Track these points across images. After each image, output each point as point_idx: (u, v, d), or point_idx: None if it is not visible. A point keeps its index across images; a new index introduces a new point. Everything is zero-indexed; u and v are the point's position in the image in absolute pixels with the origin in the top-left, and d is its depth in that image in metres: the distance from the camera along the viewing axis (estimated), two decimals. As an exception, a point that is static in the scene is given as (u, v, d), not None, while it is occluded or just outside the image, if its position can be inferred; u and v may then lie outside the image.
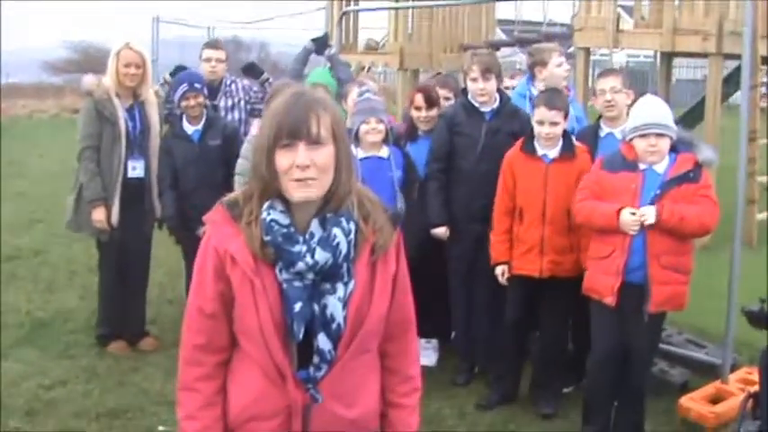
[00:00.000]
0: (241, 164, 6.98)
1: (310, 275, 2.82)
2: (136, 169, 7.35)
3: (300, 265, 2.80)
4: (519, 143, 6.33)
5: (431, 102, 7.10)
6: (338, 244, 2.82)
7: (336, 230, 2.83)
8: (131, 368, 7.26)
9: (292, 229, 2.82)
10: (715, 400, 6.43)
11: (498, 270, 6.49)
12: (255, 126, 7.34)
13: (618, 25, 12.56)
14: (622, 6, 15.53)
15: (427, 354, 7.18)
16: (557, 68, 7.15)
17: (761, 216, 12.30)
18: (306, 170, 2.76)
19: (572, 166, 6.15)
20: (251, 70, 9.25)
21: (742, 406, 5.70)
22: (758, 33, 10.95)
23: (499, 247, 6.45)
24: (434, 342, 7.36)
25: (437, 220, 6.78)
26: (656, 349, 6.15)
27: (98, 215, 7.21)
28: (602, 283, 5.62)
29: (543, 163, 6.19)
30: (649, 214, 5.34)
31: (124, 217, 7.33)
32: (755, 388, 5.80)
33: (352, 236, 2.86)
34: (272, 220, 2.81)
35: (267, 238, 2.80)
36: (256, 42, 54.22)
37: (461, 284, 6.96)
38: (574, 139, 6.34)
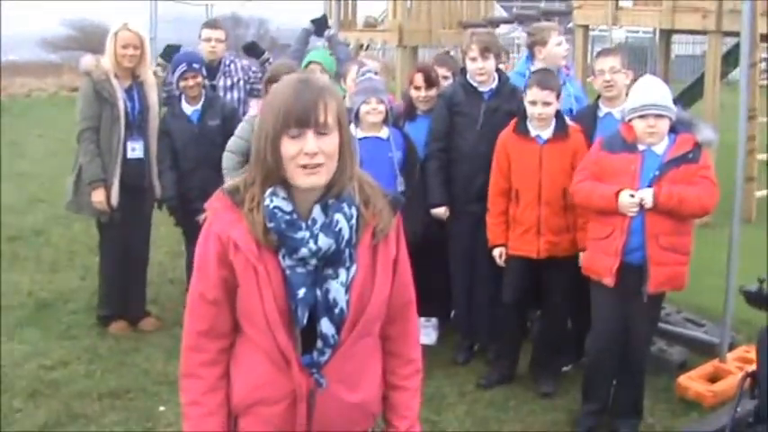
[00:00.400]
0: (235, 142, 7.01)
1: (313, 261, 2.84)
2: (135, 150, 7.36)
3: (304, 251, 2.81)
4: (512, 124, 6.34)
5: (430, 82, 7.09)
6: (340, 230, 2.84)
7: (338, 216, 2.84)
8: (132, 348, 7.28)
9: (295, 216, 2.83)
10: (713, 378, 6.48)
11: (496, 252, 6.52)
12: (254, 106, 7.34)
13: (617, 2, 12.52)
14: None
15: (427, 332, 7.21)
16: (556, 47, 7.13)
17: (760, 193, 12.31)
18: (314, 157, 2.77)
19: (566, 146, 6.17)
20: (252, 50, 9.24)
21: (740, 385, 5.72)
22: (757, 11, 10.94)
23: (495, 229, 6.48)
24: (434, 321, 7.38)
25: (437, 200, 6.79)
26: (655, 329, 6.18)
27: (98, 196, 7.21)
28: (601, 264, 5.63)
29: (537, 144, 6.20)
30: (647, 197, 5.35)
31: (124, 198, 7.33)
32: (753, 367, 5.82)
33: (353, 221, 2.88)
34: (275, 207, 2.81)
35: (270, 225, 2.81)
36: (255, 19, 54.17)
37: (461, 263, 6.97)
38: (567, 118, 6.35)
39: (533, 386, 6.64)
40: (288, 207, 2.83)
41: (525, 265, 6.41)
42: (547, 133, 6.20)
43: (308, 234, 2.82)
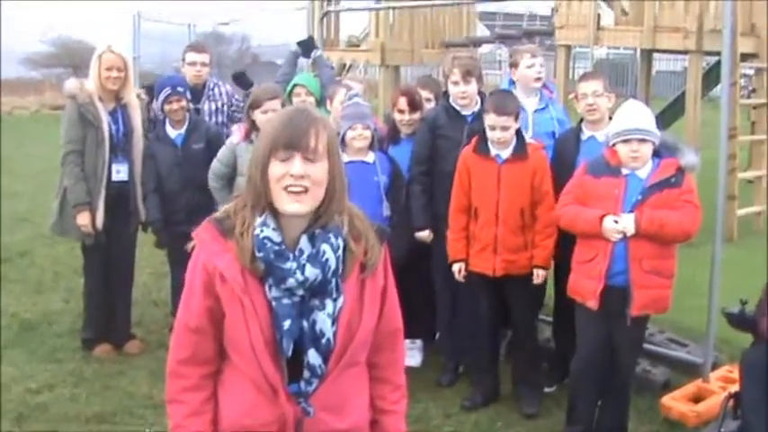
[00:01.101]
0: (215, 166, 7.06)
1: (300, 292, 2.87)
2: (120, 173, 7.36)
3: (291, 282, 2.84)
4: (473, 142, 6.39)
5: (414, 105, 7.13)
6: (327, 260, 2.87)
7: (325, 246, 2.88)
8: (117, 371, 7.26)
9: (283, 246, 2.86)
10: (696, 398, 6.50)
11: (455, 268, 6.56)
12: (235, 132, 7.36)
13: (599, 22, 12.59)
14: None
15: (412, 354, 7.22)
16: (526, 69, 7.12)
17: (741, 212, 12.37)
18: (300, 180, 2.80)
19: (525, 166, 6.22)
20: (240, 80, 9.25)
21: (723, 406, 5.77)
22: (737, 31, 11.04)
23: (455, 245, 6.53)
24: (419, 342, 7.40)
25: (420, 224, 6.85)
26: (639, 351, 6.19)
27: (83, 219, 7.21)
28: (585, 287, 5.67)
29: (496, 163, 6.25)
30: (629, 226, 5.40)
31: (109, 220, 7.33)
32: (736, 387, 5.87)
33: (340, 252, 2.91)
34: (265, 237, 2.85)
35: (259, 255, 2.84)
36: (237, 36, 54.05)
37: (445, 285, 7.00)
38: (527, 137, 6.39)
39: (517, 407, 6.66)
40: (277, 238, 2.86)
41: (488, 281, 6.47)
42: (506, 153, 6.25)
43: (294, 264, 2.85)
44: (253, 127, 6.88)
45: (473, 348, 6.91)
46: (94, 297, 7.67)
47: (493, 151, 6.26)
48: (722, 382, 6.63)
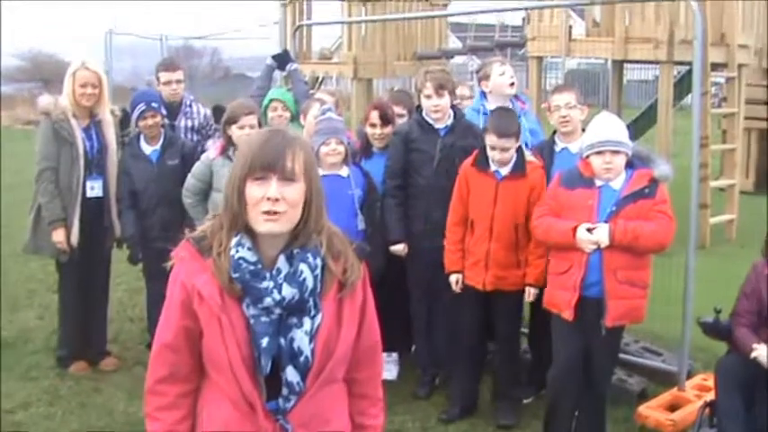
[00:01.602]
0: (189, 181, 7.05)
1: (277, 310, 2.87)
2: (94, 189, 7.33)
3: (268, 301, 2.85)
4: (473, 156, 6.41)
5: (386, 119, 7.15)
6: (304, 279, 2.88)
7: (303, 266, 2.89)
8: (93, 389, 7.23)
9: (260, 266, 2.87)
10: (672, 407, 6.54)
11: (452, 278, 6.58)
12: (211, 147, 7.35)
13: (570, 33, 12.66)
14: (573, 9, 15.66)
15: (388, 367, 7.20)
16: (500, 77, 7.15)
17: (714, 220, 12.46)
18: (275, 203, 2.81)
19: (523, 183, 6.24)
20: (220, 113, 9.21)
21: (699, 414, 5.82)
22: (707, 41, 11.13)
23: (451, 256, 6.56)
24: (395, 356, 7.39)
25: (395, 237, 6.85)
26: (615, 361, 6.22)
27: (58, 236, 7.18)
28: (560, 298, 5.70)
29: (495, 179, 6.27)
30: (603, 236, 5.43)
31: (84, 237, 7.30)
32: (712, 395, 5.92)
33: (318, 271, 2.92)
34: (240, 258, 2.86)
35: (235, 276, 2.85)
36: (208, 49, 54.01)
37: (421, 298, 7.02)
38: (528, 153, 6.41)
39: (494, 419, 6.66)
40: (253, 258, 2.87)
41: (477, 294, 6.49)
42: (505, 169, 6.27)
43: (271, 284, 2.86)
44: (229, 142, 6.87)
45: (454, 361, 6.92)
46: (69, 314, 7.63)
47: (492, 167, 6.28)
48: (698, 391, 6.68)
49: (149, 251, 7.44)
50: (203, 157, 7.16)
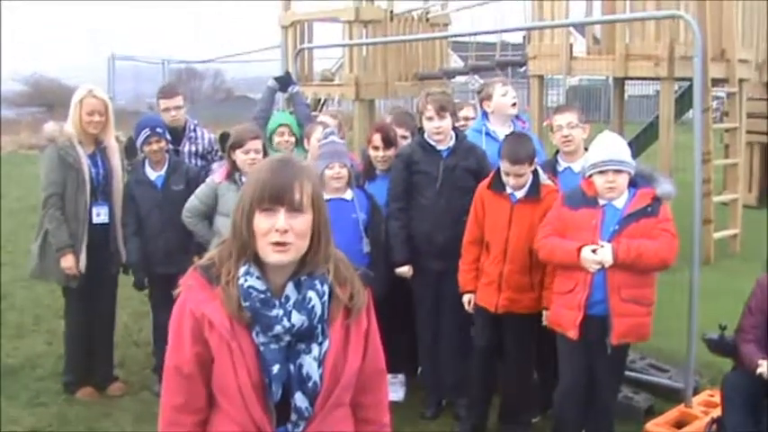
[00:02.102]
0: (191, 202, 7.07)
1: (287, 337, 2.90)
2: (100, 215, 7.35)
3: (278, 329, 2.88)
4: (489, 179, 6.40)
5: (388, 141, 7.19)
6: (313, 306, 2.91)
7: (311, 293, 2.92)
8: (101, 414, 7.23)
9: (269, 294, 2.90)
10: (679, 424, 6.53)
11: (465, 298, 6.59)
12: (216, 170, 7.37)
13: (571, 52, 12.69)
14: (574, 26, 15.68)
15: (395, 389, 7.19)
16: (502, 98, 7.21)
17: (717, 235, 12.46)
18: (284, 234, 2.85)
19: (538, 207, 6.22)
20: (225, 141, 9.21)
21: (706, 430, 5.83)
22: (708, 57, 11.17)
23: (465, 276, 6.55)
24: (401, 377, 7.39)
25: (400, 259, 6.87)
26: (621, 378, 6.23)
27: (67, 262, 7.19)
28: (565, 317, 5.72)
29: (510, 202, 6.28)
30: (606, 256, 5.46)
31: (90, 263, 7.30)
32: (719, 412, 5.93)
33: (325, 298, 2.95)
34: (249, 287, 2.89)
35: (245, 304, 2.88)
36: (210, 71, 54.20)
37: (426, 319, 7.02)
38: (544, 177, 6.37)
39: (503, 439, 6.67)
40: (262, 286, 2.90)
41: (485, 315, 6.49)
42: (521, 192, 6.27)
43: (281, 312, 2.89)
44: (234, 167, 6.91)
45: (459, 383, 6.93)
46: (76, 340, 7.64)
47: (508, 189, 6.28)
48: (704, 407, 6.67)
49: (154, 276, 7.47)
50: (208, 180, 7.18)
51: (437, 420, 7.07)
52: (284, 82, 9.14)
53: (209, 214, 7.06)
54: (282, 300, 2.91)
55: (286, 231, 2.85)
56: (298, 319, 2.89)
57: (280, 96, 9.76)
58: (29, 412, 7.27)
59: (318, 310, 2.93)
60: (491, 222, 6.36)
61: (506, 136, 6.68)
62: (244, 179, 6.85)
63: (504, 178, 6.24)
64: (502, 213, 6.29)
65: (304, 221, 2.89)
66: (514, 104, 7.28)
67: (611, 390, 5.99)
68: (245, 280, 2.90)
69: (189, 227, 7.12)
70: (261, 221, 2.87)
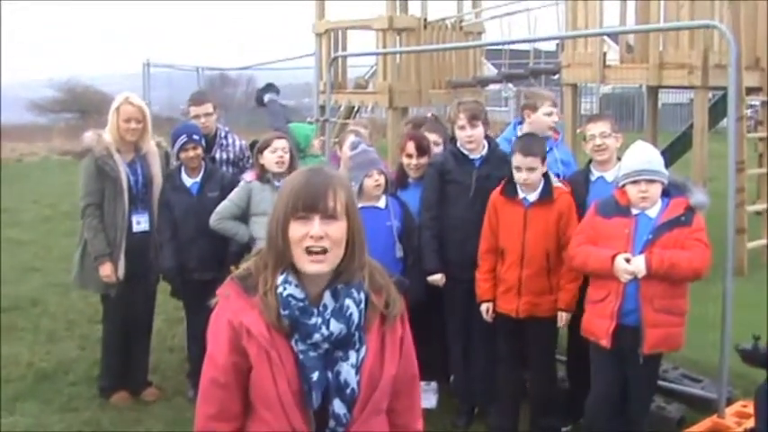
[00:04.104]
0: (225, 205, 7.15)
1: (325, 345, 2.93)
2: (140, 223, 7.42)
3: (317, 337, 2.92)
4: (501, 185, 6.45)
5: (422, 150, 7.20)
6: (351, 314, 2.95)
7: (349, 301, 2.96)
8: (135, 420, 7.26)
9: (307, 302, 2.93)
10: (713, 435, 6.52)
11: (483, 308, 6.61)
12: (249, 172, 7.41)
13: (605, 60, 12.67)
14: (608, 35, 15.66)
15: (427, 396, 7.18)
16: (545, 117, 7.22)
17: (751, 245, 12.39)
18: (319, 241, 2.88)
19: (551, 209, 6.28)
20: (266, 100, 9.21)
21: (740, 442, 5.80)
22: (742, 65, 11.12)
23: (483, 285, 6.59)
24: (434, 384, 7.39)
25: (432, 268, 6.86)
26: (653, 388, 6.22)
27: (105, 270, 7.24)
28: (597, 326, 5.73)
29: (523, 207, 6.32)
30: (640, 267, 5.46)
31: (130, 271, 7.36)
32: (752, 423, 5.90)
33: (362, 306, 2.98)
34: (288, 295, 2.92)
35: (285, 313, 2.91)
36: (243, 78, 54.36)
37: (458, 329, 7.03)
38: (555, 180, 6.44)
39: (533, 448, 6.67)
40: (300, 294, 2.93)
41: (511, 322, 6.51)
42: (533, 196, 6.31)
43: (320, 320, 2.92)
44: (263, 170, 7.04)
45: (491, 391, 6.93)
46: (112, 346, 7.68)
47: (520, 194, 6.32)
48: (737, 418, 6.62)
49: (189, 283, 7.50)
50: (242, 182, 7.28)
51: (469, 429, 7.08)
52: (261, 94, 9.10)
53: (240, 217, 7.11)
54: (321, 308, 2.94)
55: (321, 238, 2.88)
56: (336, 326, 2.92)
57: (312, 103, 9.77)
58: (61, 417, 7.32)
59: (356, 317, 2.96)
60: (505, 228, 6.40)
61: (518, 136, 6.77)
62: (275, 181, 6.94)
63: (516, 176, 6.28)
64: (516, 218, 6.33)
65: (338, 228, 2.91)
66: (553, 129, 7.28)
67: (644, 400, 5.97)
68: (284, 288, 2.93)
69: (216, 227, 7.19)
70: (296, 229, 2.90)
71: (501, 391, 6.83)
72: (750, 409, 6.24)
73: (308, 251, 2.89)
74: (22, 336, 9.66)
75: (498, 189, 6.46)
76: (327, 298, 2.96)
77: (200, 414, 3.10)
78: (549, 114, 7.23)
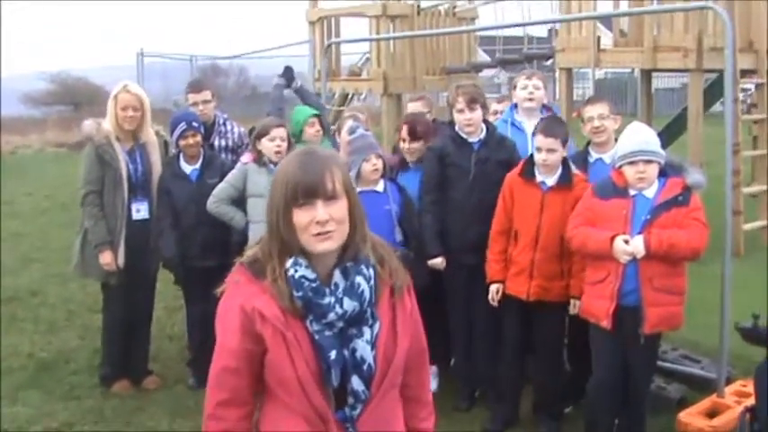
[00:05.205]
0: (222, 187, 7.19)
1: (339, 323, 2.96)
2: (140, 211, 7.42)
3: (331, 316, 2.94)
4: (519, 166, 6.45)
5: (414, 134, 7.23)
6: (362, 291, 2.97)
7: (359, 279, 2.98)
8: (137, 408, 7.28)
9: (318, 282, 2.95)
10: (712, 414, 6.53)
11: (492, 288, 6.60)
12: (246, 155, 7.42)
13: (599, 44, 12.68)
14: (601, 21, 15.67)
15: (428, 380, 7.23)
16: (520, 90, 7.31)
17: (748, 226, 12.42)
18: (325, 225, 2.90)
19: (569, 195, 6.25)
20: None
21: (740, 419, 5.82)
22: (737, 48, 11.13)
23: (494, 266, 6.57)
24: (434, 368, 7.36)
25: (433, 251, 6.88)
26: (654, 368, 6.25)
27: (105, 258, 7.26)
28: (597, 307, 5.74)
29: (540, 190, 6.31)
30: (639, 247, 5.48)
31: (130, 259, 7.37)
32: (752, 401, 5.92)
33: (372, 281, 3.00)
34: (300, 276, 2.93)
35: (298, 294, 2.92)
36: (234, 68, 54.29)
37: (460, 311, 7.05)
38: (573, 168, 6.43)
39: (536, 429, 6.70)
40: (312, 275, 2.94)
41: (519, 305, 6.51)
42: (551, 180, 6.32)
43: (332, 299, 2.94)
44: (260, 156, 7.11)
45: (495, 373, 6.94)
46: (113, 334, 7.68)
47: (539, 177, 6.33)
48: (737, 397, 6.67)
49: (189, 271, 7.51)
50: (238, 164, 7.32)
51: (471, 412, 7.09)
52: (287, 77, 9.12)
53: (237, 199, 7.15)
54: (332, 287, 2.96)
55: (327, 221, 2.90)
56: (349, 304, 2.95)
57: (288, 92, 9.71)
58: (63, 406, 7.35)
59: (368, 294, 2.98)
60: (521, 211, 6.39)
61: (542, 118, 6.78)
62: (271, 165, 6.96)
63: (536, 157, 6.28)
64: (533, 201, 6.32)
65: (341, 207, 2.93)
66: (530, 99, 7.28)
67: (644, 380, 6.00)
68: (296, 270, 2.93)
69: (213, 211, 7.21)
70: (300, 216, 2.91)
71: (503, 377, 6.85)
72: (749, 389, 6.27)
73: (315, 235, 2.91)
74: (22, 326, 9.69)
75: (516, 171, 6.46)
76: (338, 277, 2.98)
77: (210, 400, 3.11)
78: (524, 88, 7.28)
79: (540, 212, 6.30)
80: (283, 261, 2.96)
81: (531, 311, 6.52)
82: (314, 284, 2.93)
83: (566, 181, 6.30)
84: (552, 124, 6.35)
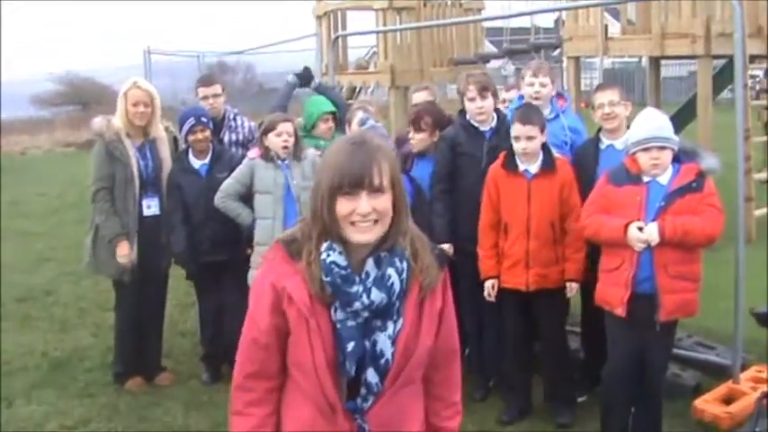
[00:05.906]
0: (229, 183, 7.18)
1: (365, 314, 2.93)
2: (151, 207, 7.42)
3: (357, 305, 2.91)
4: (500, 159, 6.46)
5: (418, 126, 7.21)
6: (392, 284, 2.94)
7: (391, 270, 2.94)
8: (151, 403, 7.30)
9: (349, 270, 2.92)
10: (728, 400, 6.53)
11: (488, 284, 6.62)
12: (253, 150, 7.41)
13: (606, 32, 12.65)
14: (608, 10, 15.63)
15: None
16: (527, 87, 7.24)
17: (759, 212, 12.39)
18: (366, 216, 2.87)
19: (554, 180, 6.31)
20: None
21: (757, 405, 5.80)
22: (745, 33, 11.10)
23: (487, 261, 6.59)
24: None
25: (442, 240, 6.84)
26: (669, 356, 6.21)
27: (123, 250, 7.28)
28: (612, 295, 5.71)
29: (525, 179, 6.34)
30: (653, 234, 5.44)
31: (142, 255, 7.38)
32: (767, 387, 5.91)
33: (405, 274, 2.97)
34: (331, 262, 2.91)
35: (327, 279, 2.90)
36: (242, 64, 54.19)
37: (470, 302, 7.01)
38: (555, 151, 6.46)
39: (551, 418, 6.70)
40: (343, 262, 2.92)
41: (517, 297, 6.53)
42: (534, 167, 6.34)
43: (361, 288, 2.91)
44: (267, 151, 7.09)
45: (503, 364, 6.95)
46: (126, 331, 7.69)
47: (521, 167, 6.34)
48: (752, 383, 6.65)
49: (201, 265, 7.49)
50: (245, 160, 7.30)
51: (486, 402, 7.10)
52: (305, 77, 9.11)
53: (244, 194, 7.14)
54: (363, 276, 2.94)
55: (369, 213, 2.87)
56: (377, 296, 2.91)
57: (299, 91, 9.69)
58: (78, 403, 7.37)
59: (397, 287, 2.94)
60: (508, 202, 6.42)
61: (516, 107, 6.79)
62: (279, 161, 6.96)
63: (515, 146, 6.30)
64: (519, 191, 6.35)
65: (385, 201, 2.90)
66: (537, 98, 7.21)
67: (660, 367, 5.96)
68: (328, 255, 2.92)
69: (220, 206, 7.21)
70: (343, 206, 2.88)
71: (511, 368, 6.87)
72: (765, 374, 6.27)
73: (356, 225, 2.89)
74: (36, 325, 9.73)
75: (498, 163, 6.47)
76: (370, 265, 2.95)
77: (238, 372, 3.13)
78: (530, 85, 7.20)
79: (528, 201, 6.34)
80: (320, 244, 2.95)
81: (530, 301, 6.54)
82: (343, 272, 2.91)
83: (548, 166, 6.33)
84: (528, 112, 6.38)
